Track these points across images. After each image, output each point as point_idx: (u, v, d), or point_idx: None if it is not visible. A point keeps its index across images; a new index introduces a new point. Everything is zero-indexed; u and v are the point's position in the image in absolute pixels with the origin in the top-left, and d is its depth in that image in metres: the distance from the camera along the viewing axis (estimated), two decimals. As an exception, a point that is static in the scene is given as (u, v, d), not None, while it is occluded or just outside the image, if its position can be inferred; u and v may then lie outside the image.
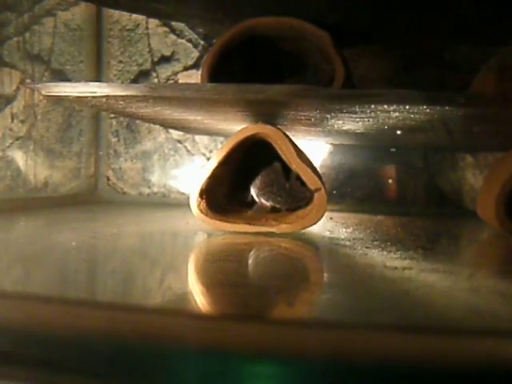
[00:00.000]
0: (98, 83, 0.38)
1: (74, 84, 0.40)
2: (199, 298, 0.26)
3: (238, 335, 0.18)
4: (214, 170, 0.42)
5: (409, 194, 0.69)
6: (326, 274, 0.32)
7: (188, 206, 0.43)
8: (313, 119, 0.46)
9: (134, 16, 0.71)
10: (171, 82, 0.71)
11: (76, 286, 0.27)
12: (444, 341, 0.18)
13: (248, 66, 0.49)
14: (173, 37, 0.71)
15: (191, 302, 0.25)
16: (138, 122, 0.72)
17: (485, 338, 0.19)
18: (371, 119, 0.45)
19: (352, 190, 0.70)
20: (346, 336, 0.18)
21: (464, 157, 0.68)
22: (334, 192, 0.68)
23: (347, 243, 0.43)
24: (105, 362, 0.19)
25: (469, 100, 0.36)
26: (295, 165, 0.41)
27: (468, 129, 0.48)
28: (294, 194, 0.43)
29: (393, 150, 0.69)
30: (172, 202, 0.71)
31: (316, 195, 0.41)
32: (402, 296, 0.25)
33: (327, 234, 0.46)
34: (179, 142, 0.73)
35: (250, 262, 0.35)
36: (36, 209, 0.61)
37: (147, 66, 0.72)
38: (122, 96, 0.41)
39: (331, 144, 0.70)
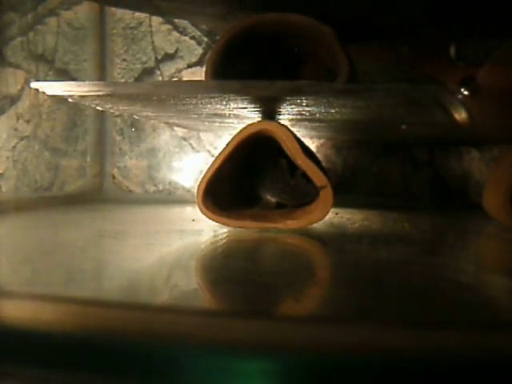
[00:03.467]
0: (102, 82, 0.38)
1: (78, 83, 0.40)
2: (206, 295, 0.26)
3: (245, 332, 0.18)
4: (219, 167, 0.42)
5: (414, 188, 0.69)
6: (333, 270, 0.32)
7: (194, 203, 0.43)
8: (317, 115, 0.46)
9: (137, 14, 0.71)
10: (175, 79, 0.71)
11: (83, 284, 0.27)
12: (446, 335, 0.18)
13: (253, 62, 0.49)
14: (176, 34, 0.71)
15: (198, 299, 0.25)
16: (142, 120, 0.72)
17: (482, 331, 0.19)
18: (376, 114, 0.45)
19: (357, 185, 0.70)
20: (352, 332, 0.18)
21: (469, 150, 0.68)
22: (340, 187, 0.68)
23: (354, 239, 0.43)
24: (112, 359, 0.19)
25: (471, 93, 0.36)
26: (301, 161, 0.41)
27: (472, 122, 0.47)
28: (299, 190, 0.43)
29: (398, 144, 0.69)
30: (178, 200, 0.72)
31: (322, 191, 0.41)
32: (408, 291, 0.25)
33: (333, 229, 0.46)
34: (184, 139, 0.73)
35: (256, 258, 0.35)
36: (42, 208, 0.61)
37: (151, 63, 0.72)
38: (127, 94, 0.41)
39: (336, 139, 0.70)
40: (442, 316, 0.21)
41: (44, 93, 0.42)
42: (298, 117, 0.47)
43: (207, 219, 0.43)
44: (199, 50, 0.71)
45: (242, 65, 0.49)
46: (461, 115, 0.40)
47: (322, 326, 0.19)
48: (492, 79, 0.45)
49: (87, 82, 0.39)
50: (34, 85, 0.42)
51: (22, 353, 0.20)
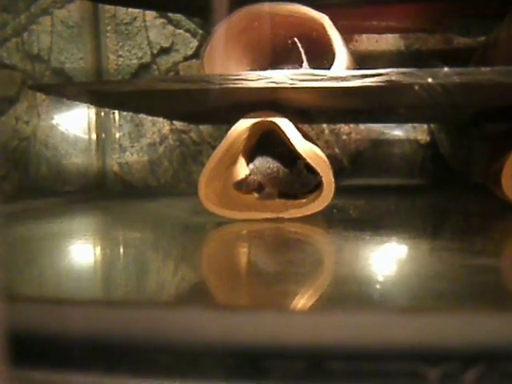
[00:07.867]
0: (98, 80, 0.38)
1: (74, 83, 0.40)
2: (213, 288, 0.26)
3: (252, 325, 0.19)
4: (220, 158, 0.42)
5: (416, 170, 0.69)
6: (337, 258, 0.33)
7: (196, 195, 0.43)
8: (316, 103, 0.46)
9: (131, 9, 0.71)
10: (172, 73, 0.71)
11: (88, 281, 0.27)
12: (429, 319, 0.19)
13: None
14: (171, 28, 0.71)
15: (205, 292, 0.25)
16: (141, 115, 0.72)
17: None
18: (375, 98, 0.45)
19: (358, 170, 0.70)
20: (358, 321, 0.19)
21: (470, 129, 0.68)
22: (341, 173, 0.68)
23: (356, 225, 0.43)
24: (120, 357, 0.19)
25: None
26: (302, 150, 0.41)
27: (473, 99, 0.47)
28: (301, 179, 0.43)
29: (397, 126, 0.69)
30: (180, 193, 0.72)
31: (323, 179, 0.41)
32: (411, 277, 0.25)
33: (336, 216, 0.46)
34: (184, 132, 0.73)
35: (260, 248, 0.35)
36: (45, 208, 0.61)
37: (147, 58, 0.72)
38: (123, 92, 0.41)
39: (335, 125, 0.70)
40: (445, 301, 0.21)
41: (42, 93, 0.42)
42: (298, 105, 0.47)
43: (210, 211, 0.43)
44: (194, 43, 0.71)
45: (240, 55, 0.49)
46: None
47: (329, 318, 0.19)
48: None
49: (83, 82, 0.39)
50: (31, 86, 0.42)
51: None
